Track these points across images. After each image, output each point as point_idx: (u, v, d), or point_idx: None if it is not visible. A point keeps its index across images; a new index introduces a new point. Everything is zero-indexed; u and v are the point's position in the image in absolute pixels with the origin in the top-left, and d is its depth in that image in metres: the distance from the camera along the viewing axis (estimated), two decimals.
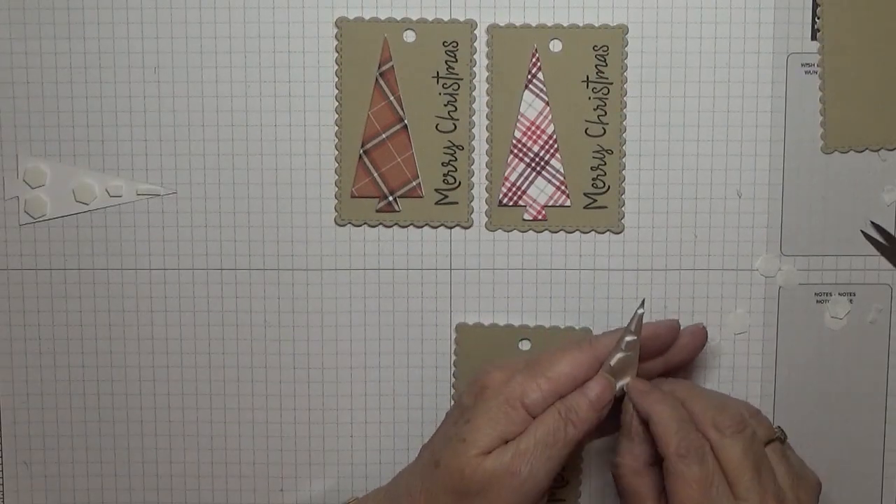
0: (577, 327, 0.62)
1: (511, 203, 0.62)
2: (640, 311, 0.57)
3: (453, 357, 0.63)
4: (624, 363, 0.57)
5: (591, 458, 0.63)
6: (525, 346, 0.62)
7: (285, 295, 0.62)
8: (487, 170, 0.62)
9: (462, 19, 0.61)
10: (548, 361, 0.57)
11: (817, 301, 0.63)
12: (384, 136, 0.61)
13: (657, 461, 0.57)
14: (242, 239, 0.62)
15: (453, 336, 0.63)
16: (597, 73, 0.61)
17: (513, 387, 0.56)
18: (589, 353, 0.57)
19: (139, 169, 0.62)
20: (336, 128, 0.61)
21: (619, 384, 0.57)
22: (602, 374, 0.57)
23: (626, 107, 0.61)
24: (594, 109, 0.61)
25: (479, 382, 0.57)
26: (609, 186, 0.62)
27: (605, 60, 0.61)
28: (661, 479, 0.57)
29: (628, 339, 0.57)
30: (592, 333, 0.62)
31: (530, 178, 0.62)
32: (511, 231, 0.62)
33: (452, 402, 0.62)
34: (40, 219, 0.62)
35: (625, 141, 0.61)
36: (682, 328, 0.60)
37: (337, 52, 0.61)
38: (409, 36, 0.61)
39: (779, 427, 0.58)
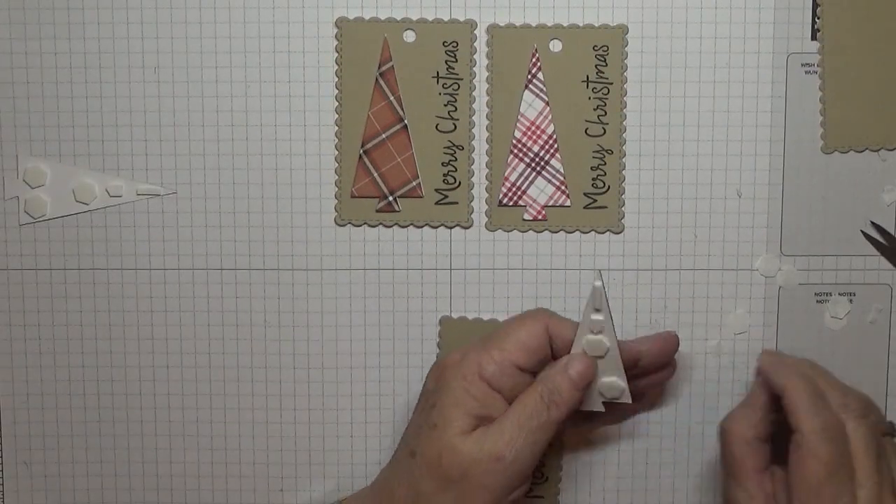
0: None
1: (511, 203, 0.62)
2: (597, 283, 0.56)
3: (437, 350, 0.63)
4: (596, 348, 0.56)
5: (571, 453, 0.63)
6: None
7: (285, 295, 0.62)
8: (487, 170, 0.62)
9: (462, 19, 0.61)
10: (502, 332, 0.57)
11: (817, 301, 0.62)
12: (384, 136, 0.61)
13: (768, 437, 0.56)
14: (242, 239, 0.62)
15: (438, 330, 0.63)
16: (597, 73, 0.61)
17: (468, 363, 0.56)
18: (541, 322, 0.57)
19: (139, 169, 0.62)
20: (336, 128, 0.61)
21: (603, 380, 0.57)
22: (584, 354, 0.56)
23: (626, 107, 0.61)
24: (594, 109, 0.61)
25: (439, 366, 0.58)
26: (609, 186, 0.62)
27: (605, 60, 0.61)
28: (767, 455, 0.56)
29: (594, 317, 0.56)
30: None
31: (530, 178, 0.61)
32: (511, 231, 0.62)
33: None
34: (40, 219, 0.62)
35: (625, 141, 0.61)
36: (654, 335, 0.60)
37: (337, 52, 0.61)
38: (409, 36, 0.61)
39: (890, 422, 0.57)
